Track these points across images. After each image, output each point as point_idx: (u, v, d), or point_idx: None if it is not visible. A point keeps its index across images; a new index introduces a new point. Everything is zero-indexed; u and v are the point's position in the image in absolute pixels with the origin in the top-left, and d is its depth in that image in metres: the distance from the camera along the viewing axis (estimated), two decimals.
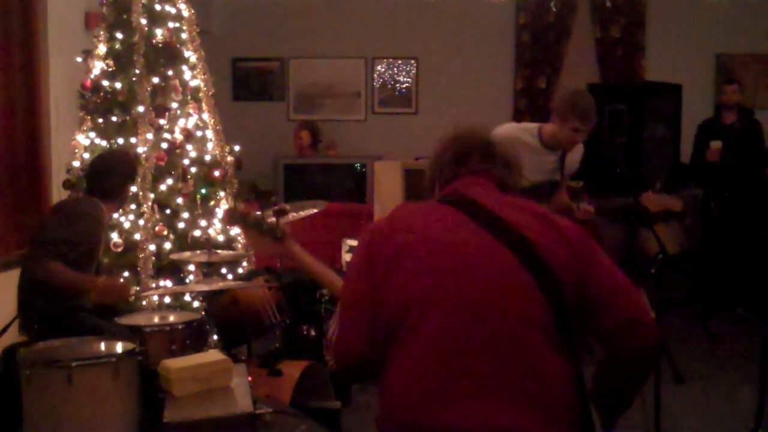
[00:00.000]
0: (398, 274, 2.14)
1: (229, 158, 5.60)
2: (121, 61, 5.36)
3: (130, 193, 4.81)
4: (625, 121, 7.25)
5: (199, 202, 5.37)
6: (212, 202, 5.44)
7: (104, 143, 5.32)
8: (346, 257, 5.75)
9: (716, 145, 7.38)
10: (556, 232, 2.19)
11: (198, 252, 4.77)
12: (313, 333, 4.51)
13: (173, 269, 5.24)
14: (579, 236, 2.22)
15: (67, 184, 5.31)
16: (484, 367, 2.02)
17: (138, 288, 5.06)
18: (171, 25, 5.42)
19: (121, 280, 4.95)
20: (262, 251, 4.99)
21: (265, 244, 3.03)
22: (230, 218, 5.02)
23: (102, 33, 5.39)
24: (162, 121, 5.34)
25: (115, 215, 5.12)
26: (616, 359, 2.21)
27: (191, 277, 5.24)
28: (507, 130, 4.65)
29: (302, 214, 5.17)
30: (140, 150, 5.22)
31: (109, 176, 4.52)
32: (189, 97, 5.48)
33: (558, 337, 2.08)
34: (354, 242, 5.71)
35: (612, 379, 2.27)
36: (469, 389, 2.00)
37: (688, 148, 7.72)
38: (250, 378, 3.47)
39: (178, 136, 5.36)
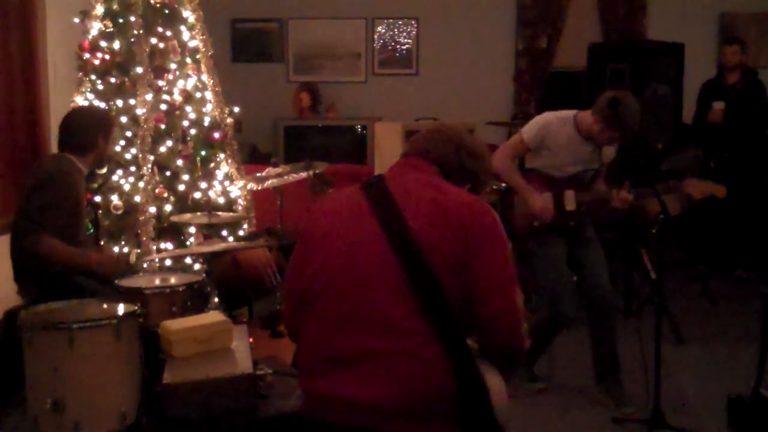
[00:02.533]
0: (306, 258, 2.43)
1: (229, 120, 5.57)
2: (118, 21, 5.32)
3: (107, 146, 4.60)
4: (627, 81, 7.19)
5: (199, 164, 5.35)
6: (212, 164, 5.42)
7: (103, 105, 5.29)
8: None
9: (719, 105, 7.34)
10: (443, 218, 2.29)
11: (198, 214, 4.76)
12: None
13: (174, 231, 5.23)
14: (473, 223, 2.30)
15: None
16: (353, 346, 2.24)
17: (138, 252, 5.06)
18: None
19: (116, 251, 4.94)
20: None
21: None
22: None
23: None
24: (161, 83, 5.30)
25: (115, 177, 5.11)
26: (483, 349, 2.34)
27: (192, 239, 5.23)
28: (545, 119, 4.62)
29: (302, 175, 5.17)
30: (139, 111, 5.20)
31: (79, 130, 4.43)
32: (188, 59, 5.43)
33: (423, 318, 2.22)
34: None
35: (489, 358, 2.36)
36: (339, 362, 2.26)
37: (690, 107, 7.69)
38: (251, 339, 3.48)
39: (177, 98, 5.33)
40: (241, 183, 5.44)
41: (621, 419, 4.34)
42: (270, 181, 5.19)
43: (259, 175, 5.29)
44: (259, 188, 5.32)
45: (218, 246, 4.31)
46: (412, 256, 2.24)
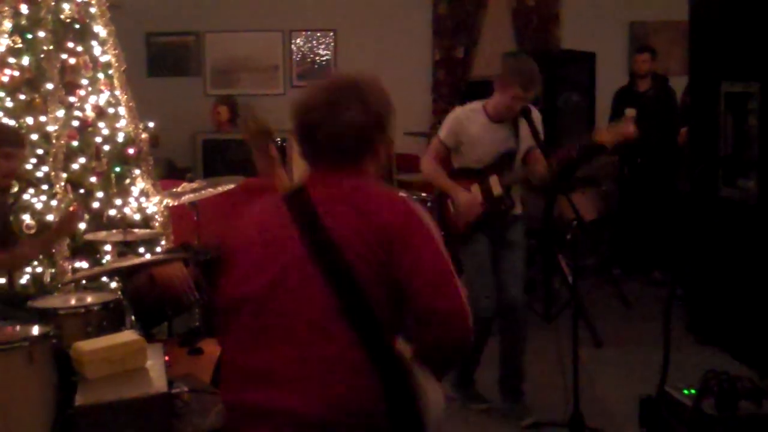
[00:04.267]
0: (228, 271, 2.36)
1: (144, 135, 5.50)
2: (27, 37, 5.22)
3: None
4: (541, 90, 7.31)
5: (113, 180, 5.27)
6: (127, 180, 5.35)
7: (12, 123, 5.18)
8: None
9: (630, 112, 7.48)
10: (362, 220, 2.22)
11: (114, 231, 4.70)
12: None
13: (89, 250, 5.15)
14: (392, 221, 2.23)
15: None
16: (275, 357, 2.19)
17: (53, 270, 4.96)
18: None
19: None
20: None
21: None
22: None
23: (6, 9, 5.23)
24: (72, 99, 5.23)
25: (26, 196, 5.01)
26: (423, 351, 2.24)
27: (108, 257, 5.16)
28: (454, 115, 4.69)
29: (220, 189, 5.14)
30: (50, 129, 5.11)
31: None
32: (100, 74, 5.37)
33: (344, 323, 2.16)
34: None
35: (426, 363, 2.27)
36: (261, 374, 2.20)
37: (603, 115, 7.85)
38: (167, 357, 3.44)
39: (90, 114, 5.26)
40: (157, 199, 5.38)
41: (541, 423, 4.40)
42: (186, 197, 5.15)
43: (175, 190, 5.24)
44: (176, 203, 5.27)
45: (132, 261, 4.26)
46: (331, 261, 2.18)
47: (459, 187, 4.62)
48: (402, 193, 2.38)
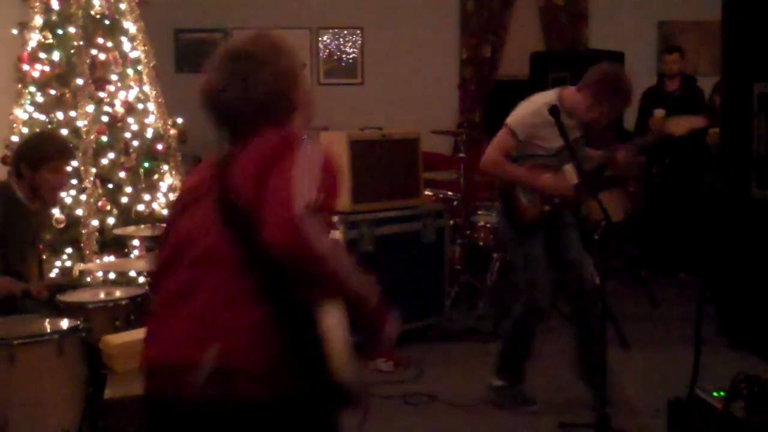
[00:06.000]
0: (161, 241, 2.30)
1: (172, 131, 5.53)
2: (58, 33, 5.26)
3: (36, 177, 4.29)
4: None
5: (142, 175, 5.30)
6: (155, 176, 5.38)
7: (43, 117, 5.22)
8: None
9: (659, 112, 7.46)
10: (255, 149, 2.12)
11: (142, 226, 4.72)
12: None
13: (117, 244, 5.18)
14: (275, 145, 2.10)
15: (6, 160, 5.20)
16: (174, 308, 2.08)
17: (81, 264, 4.99)
18: None
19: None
20: None
21: None
22: None
23: (38, 4, 5.28)
24: (102, 94, 5.26)
25: None
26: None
27: (135, 252, 5.18)
28: (529, 110, 4.49)
29: None
30: (80, 124, 5.15)
31: (16, 155, 4.40)
32: (129, 70, 5.40)
33: (247, 277, 2.02)
34: None
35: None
36: (163, 327, 2.11)
37: (631, 115, 7.80)
38: None
39: (119, 109, 5.29)
40: None
41: (567, 424, 4.38)
42: None
43: None
44: None
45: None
46: (233, 215, 2.05)
47: (538, 172, 4.46)
48: (297, 134, 2.17)
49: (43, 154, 4.30)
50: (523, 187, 4.52)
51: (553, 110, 4.15)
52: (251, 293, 2.01)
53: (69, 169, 4.56)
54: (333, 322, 2.02)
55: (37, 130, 5.19)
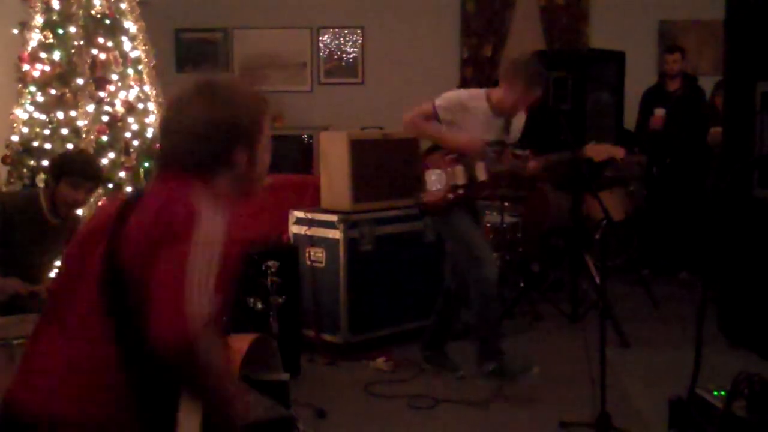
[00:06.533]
0: None
1: None
2: (58, 32, 5.26)
3: (58, 190, 4.28)
4: (570, 89, 7.27)
5: (142, 175, 5.30)
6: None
7: (43, 117, 5.22)
8: (294, 229, 5.73)
9: (659, 112, 7.47)
10: (151, 213, 1.92)
11: None
12: (259, 305, 4.49)
13: None
14: (160, 221, 1.88)
15: (6, 160, 5.21)
16: (40, 342, 2.00)
17: None
18: None
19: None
20: None
21: None
22: None
23: (38, 3, 5.28)
24: (102, 94, 5.25)
25: None
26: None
27: None
28: (459, 94, 4.89)
29: None
30: (80, 123, 5.15)
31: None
32: (130, 69, 5.40)
33: (104, 318, 1.89)
34: (301, 213, 5.68)
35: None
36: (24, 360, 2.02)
37: (632, 114, 7.81)
38: None
39: (120, 109, 5.29)
40: None
41: (568, 423, 4.38)
42: None
43: None
44: None
45: None
46: (111, 264, 1.89)
47: (451, 132, 4.73)
48: (193, 201, 1.92)
49: (65, 166, 4.29)
50: (434, 171, 4.80)
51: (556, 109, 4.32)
52: (113, 362, 1.88)
53: (93, 191, 4.51)
54: (188, 416, 1.90)
55: (37, 130, 5.19)
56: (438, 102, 4.77)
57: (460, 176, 4.77)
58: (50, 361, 1.94)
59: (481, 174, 4.75)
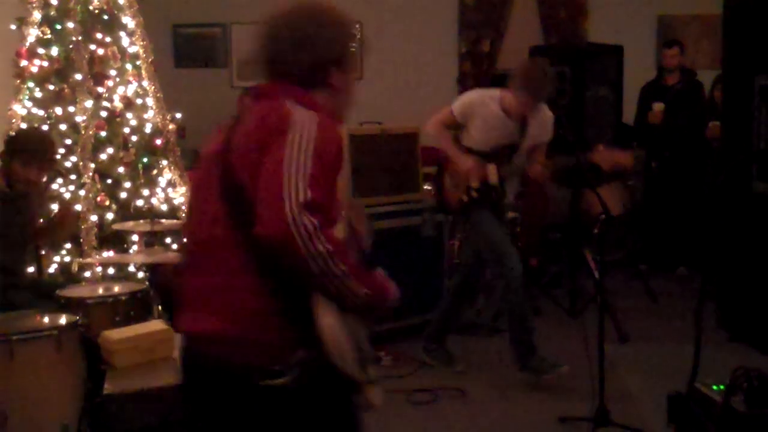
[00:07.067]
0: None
1: (171, 126, 5.52)
2: (56, 28, 5.25)
3: (23, 171, 4.38)
4: (568, 83, 7.26)
5: (141, 171, 5.30)
6: (154, 171, 5.37)
7: (41, 113, 5.21)
8: None
9: (658, 106, 7.47)
10: (255, 125, 2.11)
11: (141, 222, 4.72)
12: None
13: (116, 240, 5.18)
14: (274, 124, 2.06)
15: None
16: (189, 280, 2.17)
17: (80, 260, 4.99)
18: None
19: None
20: None
21: None
22: None
23: None
24: (101, 89, 5.25)
25: (55, 186, 5.05)
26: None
27: (135, 247, 5.18)
28: (472, 95, 4.92)
29: None
30: (79, 119, 5.14)
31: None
32: (128, 65, 5.39)
33: (240, 248, 2.05)
34: None
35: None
36: (185, 299, 2.18)
37: (631, 109, 7.80)
38: None
39: (118, 105, 5.29)
40: (184, 189, 5.41)
41: (568, 417, 4.38)
42: None
43: None
44: None
45: (162, 257, 4.27)
46: (230, 187, 2.07)
47: (463, 153, 4.83)
48: (311, 112, 2.10)
49: (17, 145, 4.43)
50: (451, 172, 4.93)
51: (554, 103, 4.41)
52: (252, 272, 2.03)
53: (46, 171, 4.61)
54: (328, 320, 2.02)
55: (36, 125, 5.19)
56: (454, 106, 4.86)
57: (474, 179, 4.83)
58: (205, 294, 2.10)
59: (492, 177, 4.82)
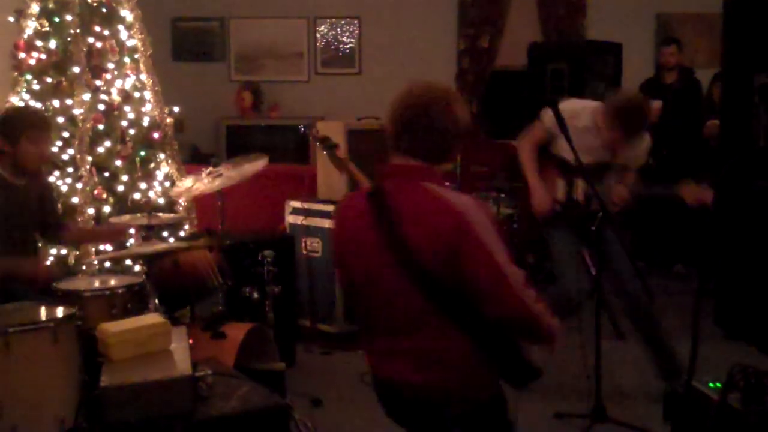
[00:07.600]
0: (337, 261, 2.84)
1: (169, 120, 5.52)
2: (54, 20, 5.24)
3: (32, 149, 4.21)
4: (566, 80, 7.27)
5: (138, 164, 5.29)
6: (152, 165, 5.37)
7: (39, 105, 5.20)
8: (290, 219, 5.72)
9: (656, 104, 7.46)
10: (432, 227, 2.42)
11: (138, 215, 4.71)
12: (255, 295, 4.47)
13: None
14: (453, 226, 2.40)
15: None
16: (389, 345, 2.58)
17: (77, 252, 4.99)
18: None
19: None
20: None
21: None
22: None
23: None
24: (98, 83, 5.25)
25: (52, 178, 5.03)
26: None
27: (132, 240, 5.17)
28: (563, 105, 4.49)
29: (248, 170, 5.04)
30: (76, 112, 5.14)
31: None
32: (126, 58, 5.38)
33: (442, 316, 2.44)
34: (298, 203, 5.68)
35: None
36: (387, 352, 2.60)
37: None
38: (191, 341, 3.44)
39: (116, 98, 5.28)
40: (187, 183, 5.38)
41: (564, 414, 4.38)
42: (218, 182, 5.13)
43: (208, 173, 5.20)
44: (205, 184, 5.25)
45: (158, 246, 4.26)
46: (413, 267, 2.42)
47: (539, 184, 4.70)
48: (463, 197, 2.51)
49: (19, 125, 4.20)
50: (543, 180, 4.74)
51: (552, 101, 4.24)
52: (457, 334, 2.46)
53: (50, 141, 4.53)
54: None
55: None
56: (544, 119, 4.61)
57: (560, 191, 4.72)
58: (413, 350, 2.51)
59: (579, 193, 4.68)
